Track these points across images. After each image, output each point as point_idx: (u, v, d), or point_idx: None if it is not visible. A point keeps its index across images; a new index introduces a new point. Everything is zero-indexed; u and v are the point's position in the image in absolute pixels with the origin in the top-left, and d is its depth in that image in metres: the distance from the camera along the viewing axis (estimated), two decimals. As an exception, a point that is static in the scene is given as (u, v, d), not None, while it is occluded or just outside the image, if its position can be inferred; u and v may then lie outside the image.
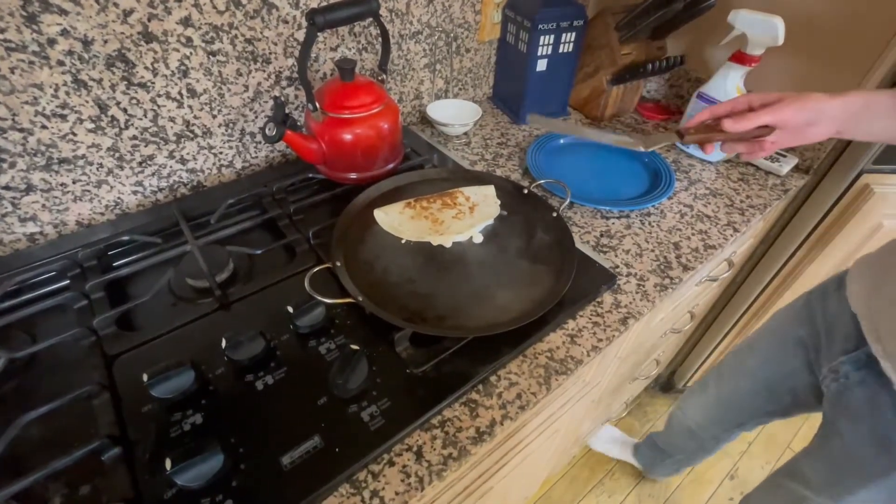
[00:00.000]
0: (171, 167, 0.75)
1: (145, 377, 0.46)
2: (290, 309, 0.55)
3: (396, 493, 0.44)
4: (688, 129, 0.59)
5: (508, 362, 0.56)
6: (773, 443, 1.48)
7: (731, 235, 0.78)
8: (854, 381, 0.59)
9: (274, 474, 0.43)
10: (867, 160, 0.88)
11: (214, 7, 0.66)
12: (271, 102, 0.80)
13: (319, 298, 0.53)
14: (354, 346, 0.53)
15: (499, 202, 0.74)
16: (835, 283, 0.69)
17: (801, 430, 1.51)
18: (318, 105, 0.71)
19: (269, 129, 0.66)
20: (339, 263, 0.61)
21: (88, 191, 0.69)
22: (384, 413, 0.48)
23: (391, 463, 0.47)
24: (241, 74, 0.74)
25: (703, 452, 1.04)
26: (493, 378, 0.54)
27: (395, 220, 0.70)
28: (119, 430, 0.46)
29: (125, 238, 0.67)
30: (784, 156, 0.93)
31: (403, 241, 0.68)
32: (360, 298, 0.56)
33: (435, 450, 0.48)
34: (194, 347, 0.54)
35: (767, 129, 0.54)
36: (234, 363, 0.51)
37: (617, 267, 0.70)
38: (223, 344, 0.50)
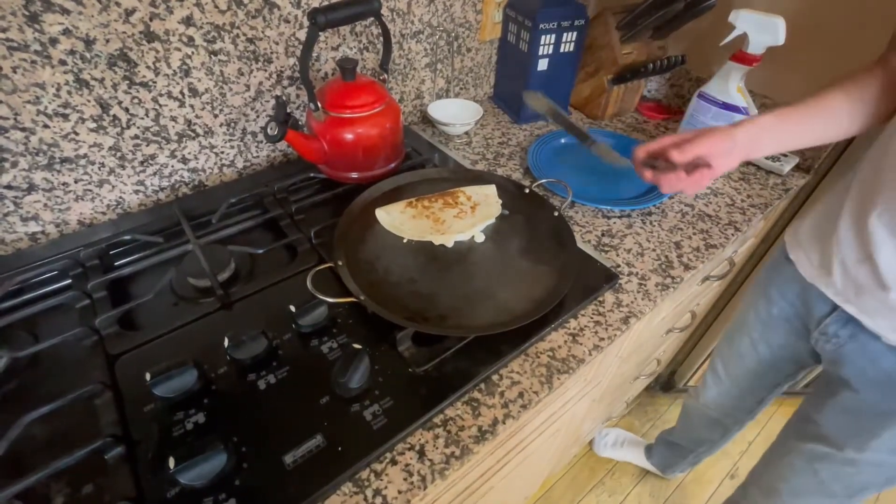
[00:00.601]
0: (172, 166, 0.75)
1: (148, 376, 0.46)
2: (293, 308, 0.55)
3: (399, 492, 0.44)
4: (642, 157, 0.61)
5: (510, 361, 0.56)
6: (774, 442, 1.48)
7: (733, 235, 0.78)
8: (845, 337, 0.62)
9: (277, 473, 0.43)
10: (868, 160, 0.88)
11: (216, 6, 0.66)
12: (273, 102, 0.80)
13: (321, 298, 0.53)
14: (356, 346, 0.53)
15: (500, 202, 0.74)
16: (781, 256, 0.71)
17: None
18: (319, 104, 0.71)
19: (271, 129, 0.66)
20: (340, 263, 0.61)
21: (90, 190, 0.69)
22: (386, 412, 0.49)
23: (394, 462, 0.47)
24: (242, 74, 0.74)
25: (725, 440, 1.05)
26: (495, 377, 0.54)
27: (396, 219, 0.70)
28: (122, 430, 0.46)
29: (127, 237, 0.67)
30: (785, 155, 0.93)
31: (405, 241, 0.68)
32: (362, 298, 0.56)
33: (437, 449, 0.48)
34: (196, 347, 0.54)
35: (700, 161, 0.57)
36: (236, 362, 0.51)
37: (618, 266, 0.70)
38: (225, 343, 0.50)
